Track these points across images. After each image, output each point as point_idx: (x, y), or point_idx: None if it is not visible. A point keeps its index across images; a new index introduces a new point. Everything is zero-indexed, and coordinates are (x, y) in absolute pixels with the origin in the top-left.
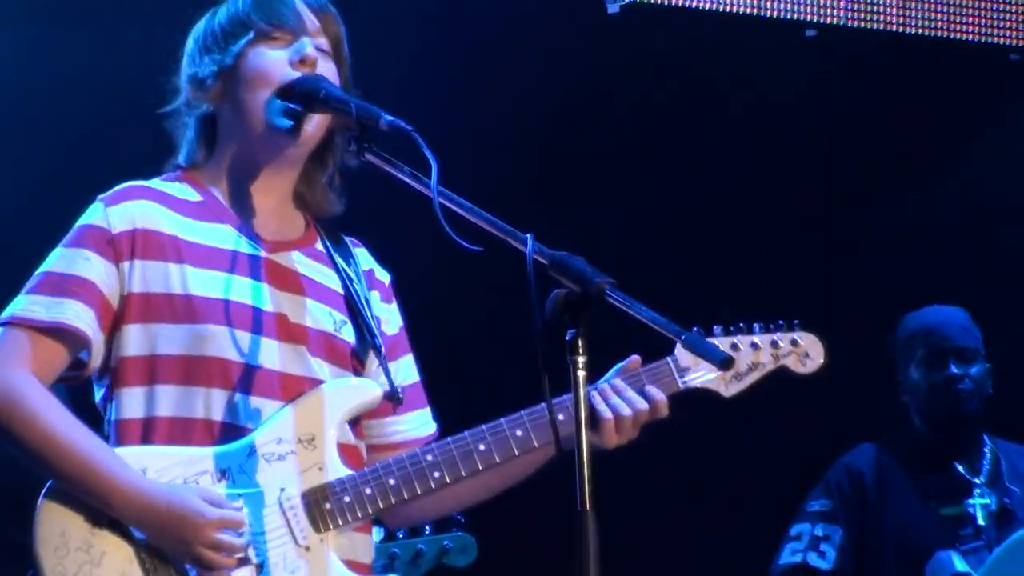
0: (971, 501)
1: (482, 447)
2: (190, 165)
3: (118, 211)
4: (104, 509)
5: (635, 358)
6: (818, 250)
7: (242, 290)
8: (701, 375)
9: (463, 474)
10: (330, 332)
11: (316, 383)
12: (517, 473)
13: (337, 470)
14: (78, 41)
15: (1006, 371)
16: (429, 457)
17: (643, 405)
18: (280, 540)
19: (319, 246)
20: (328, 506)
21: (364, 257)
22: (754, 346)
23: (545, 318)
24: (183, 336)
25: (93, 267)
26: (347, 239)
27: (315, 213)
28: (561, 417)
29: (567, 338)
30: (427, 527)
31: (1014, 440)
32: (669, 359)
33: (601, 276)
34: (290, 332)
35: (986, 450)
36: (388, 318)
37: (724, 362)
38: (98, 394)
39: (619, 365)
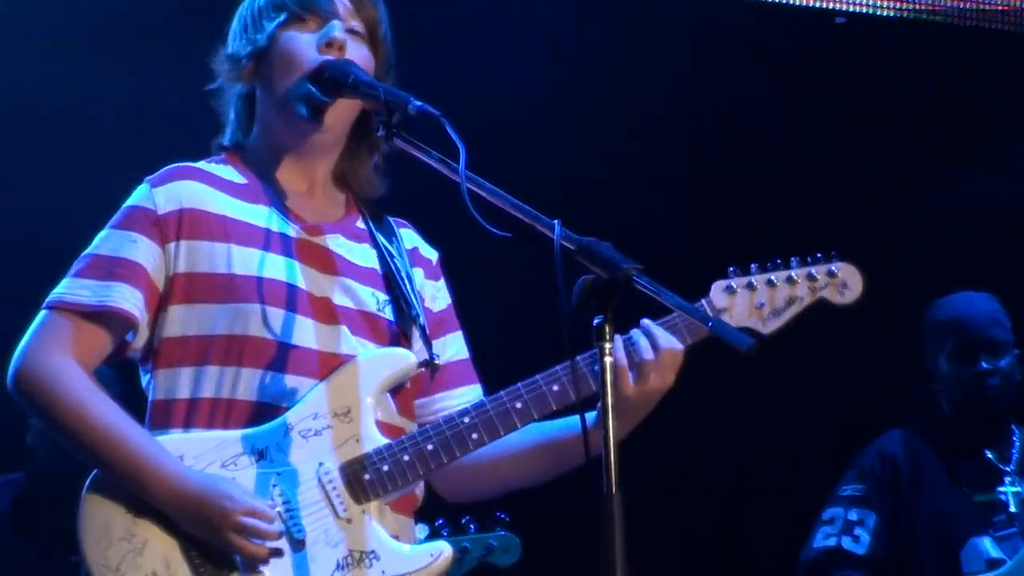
0: (1002, 488)
1: (519, 405)
2: (233, 145)
3: (164, 191)
4: (143, 496)
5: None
6: (857, 237)
7: (278, 269)
8: (739, 315)
9: (501, 433)
10: (372, 311)
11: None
12: (563, 456)
13: (375, 440)
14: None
15: None
16: (466, 419)
17: (650, 355)
18: (321, 514)
19: (360, 224)
20: (367, 477)
21: (409, 236)
22: (790, 280)
23: (572, 304)
24: (225, 316)
25: (140, 249)
26: (391, 219)
27: (358, 194)
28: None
29: (594, 324)
30: (472, 526)
31: None
32: (704, 301)
33: (629, 262)
34: (328, 312)
35: (1015, 439)
36: (434, 294)
37: (749, 348)
38: (143, 376)
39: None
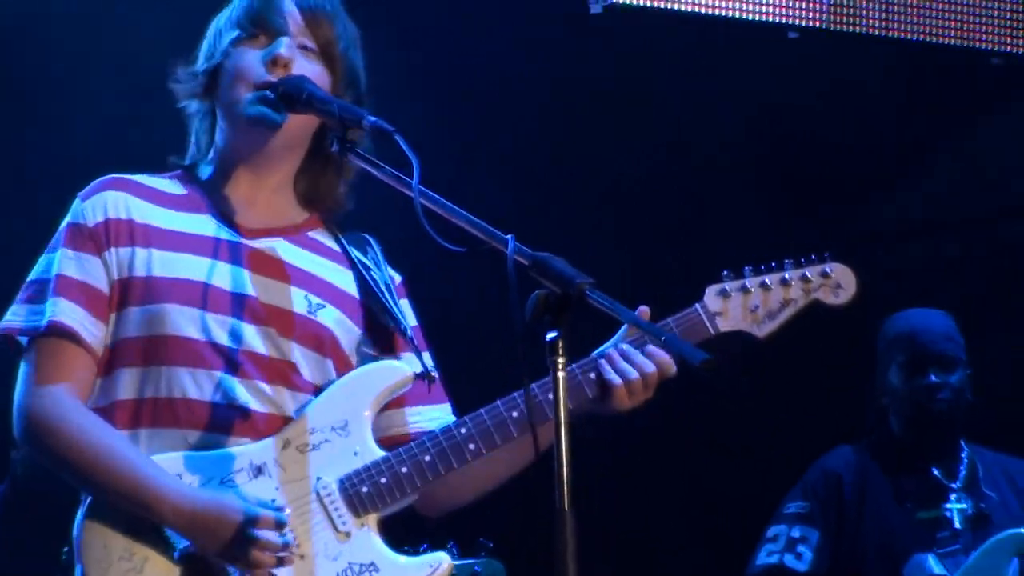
0: (948, 505)
1: (515, 414)
2: (190, 163)
3: (91, 204)
4: (152, 519)
5: (644, 309)
6: (805, 250)
7: (212, 271)
8: (733, 319)
9: (498, 443)
10: (304, 315)
11: (291, 366)
12: (523, 451)
13: (373, 453)
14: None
15: (988, 374)
16: (463, 430)
17: (651, 368)
18: (320, 528)
19: (317, 236)
20: (366, 489)
21: (379, 251)
22: (784, 282)
23: (526, 319)
24: (151, 319)
25: (74, 264)
26: (365, 236)
27: (322, 211)
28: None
29: (547, 339)
30: (456, 550)
31: (991, 447)
32: (698, 306)
33: (582, 277)
34: (265, 315)
35: (963, 456)
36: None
37: (704, 363)
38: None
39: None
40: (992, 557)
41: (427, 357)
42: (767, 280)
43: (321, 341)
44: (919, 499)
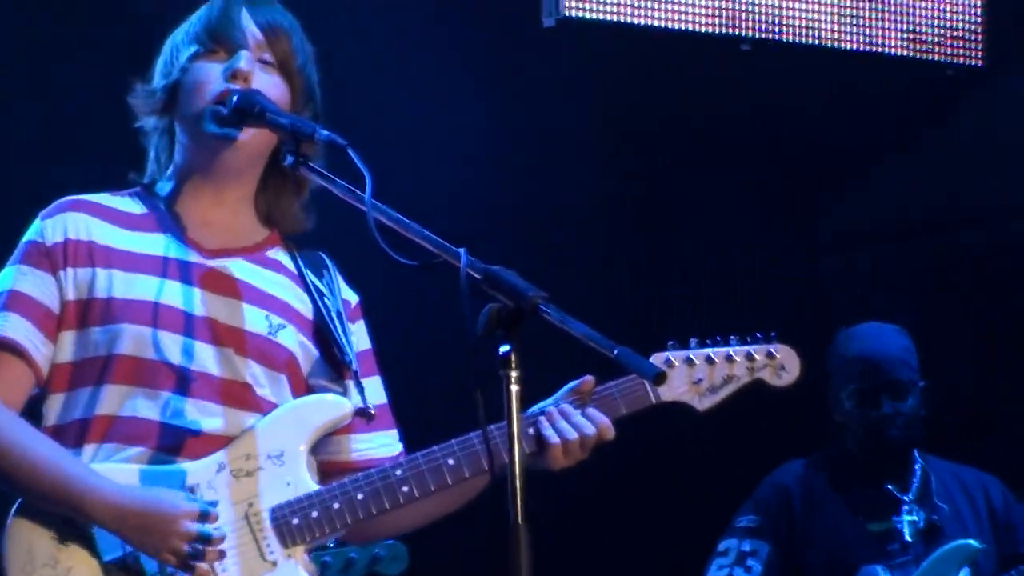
0: (899, 518)
1: (451, 461)
2: (149, 182)
3: (51, 224)
4: (81, 517)
5: (588, 379)
6: (759, 259)
7: (171, 293)
8: (675, 389)
9: (432, 489)
10: (263, 335)
11: (246, 386)
12: (456, 496)
13: (306, 485)
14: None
15: (942, 384)
16: (398, 472)
17: (590, 430)
18: (247, 554)
19: (276, 255)
20: (296, 521)
21: (335, 272)
22: (729, 358)
23: (478, 333)
24: (108, 338)
25: (28, 280)
26: (323, 256)
27: (282, 229)
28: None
29: (500, 353)
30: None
31: (946, 456)
32: None
33: (534, 290)
34: (220, 335)
35: (916, 467)
36: (355, 337)
37: (657, 377)
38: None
39: (571, 385)
40: (942, 567)
41: (374, 386)
42: (712, 354)
43: (279, 361)
44: (870, 512)
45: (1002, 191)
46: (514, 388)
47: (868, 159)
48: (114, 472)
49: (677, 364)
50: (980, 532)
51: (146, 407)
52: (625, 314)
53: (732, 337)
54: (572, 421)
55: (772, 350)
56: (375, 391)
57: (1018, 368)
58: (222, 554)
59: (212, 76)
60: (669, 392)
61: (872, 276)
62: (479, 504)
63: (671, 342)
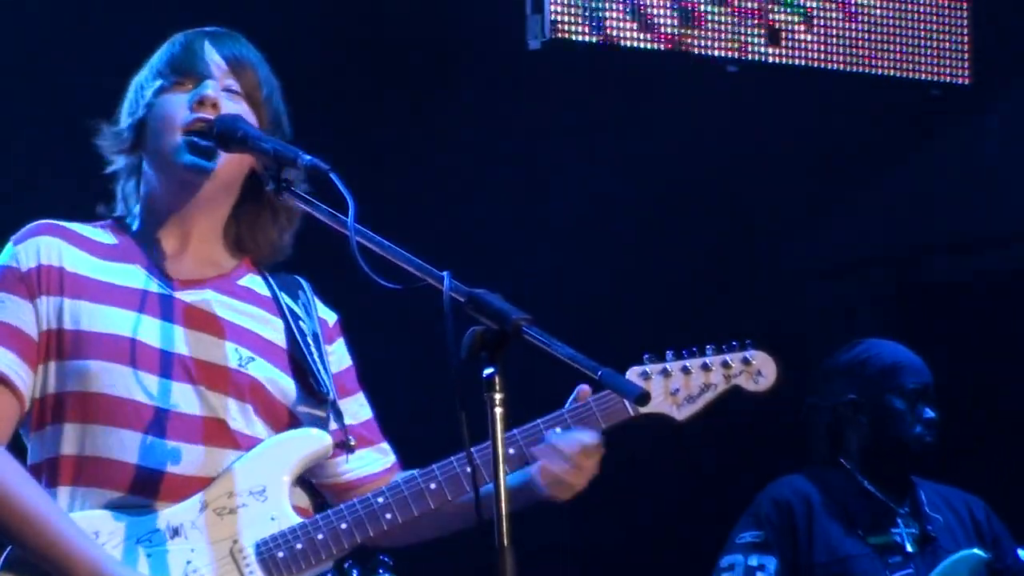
0: (897, 530)
1: (433, 486)
2: (118, 217)
3: (23, 248)
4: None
5: (584, 388)
6: (738, 283)
7: (141, 327)
8: (654, 401)
9: (415, 514)
10: (233, 368)
11: (222, 424)
12: (457, 517)
13: (290, 519)
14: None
15: None
16: (380, 500)
17: (573, 445)
18: None
19: (248, 282)
20: (281, 555)
21: (311, 295)
22: (705, 367)
23: (463, 356)
24: (80, 374)
25: (7, 308)
26: (298, 279)
27: (256, 257)
28: (511, 452)
29: (484, 376)
30: (355, 571)
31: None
32: None
33: (518, 312)
34: (194, 372)
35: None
36: (333, 358)
37: (640, 398)
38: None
39: (573, 396)
40: None
41: (357, 403)
42: (688, 364)
43: (253, 394)
44: (869, 525)
45: (988, 215)
46: (498, 411)
47: (852, 182)
48: (98, 522)
49: (653, 376)
50: (968, 543)
51: (120, 448)
52: (596, 339)
53: (708, 347)
54: (561, 453)
55: (747, 356)
56: (359, 408)
57: (989, 395)
58: None
59: (179, 107)
60: (650, 404)
61: (857, 304)
62: (476, 535)
63: (647, 355)
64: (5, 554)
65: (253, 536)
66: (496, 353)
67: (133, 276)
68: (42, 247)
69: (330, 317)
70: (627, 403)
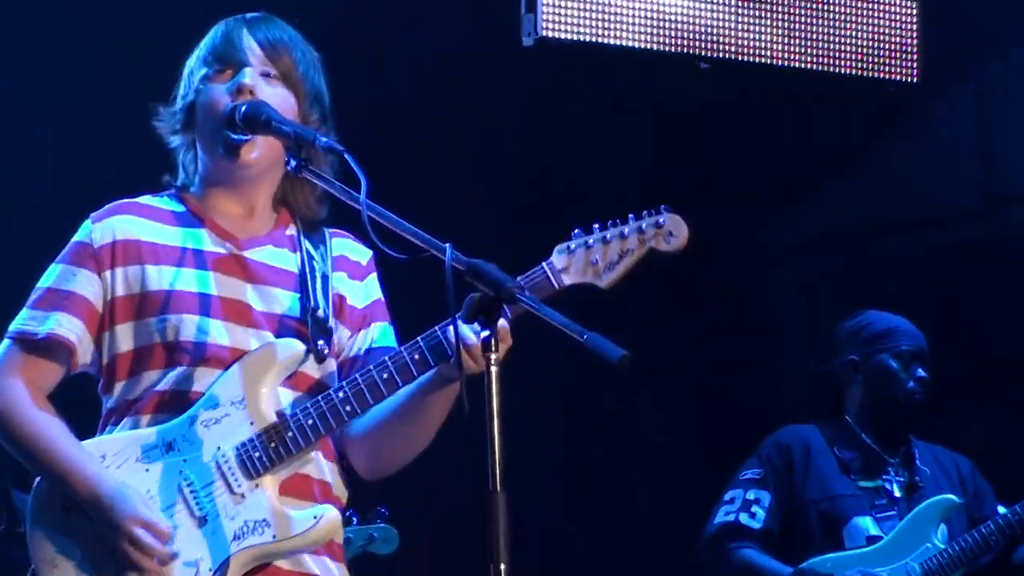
0: (886, 477)
1: (385, 375)
2: (182, 185)
3: (100, 227)
4: (71, 496)
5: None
6: (714, 265)
7: (206, 284)
8: (576, 273)
9: (370, 402)
10: (288, 315)
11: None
12: (434, 408)
13: (265, 422)
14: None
15: None
16: (340, 394)
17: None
18: (219, 492)
19: (289, 231)
20: (257, 454)
21: (339, 244)
22: (622, 235)
23: (463, 319)
24: (161, 325)
25: (79, 281)
26: (327, 230)
27: (296, 213)
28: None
29: (481, 339)
30: (355, 518)
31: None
32: (545, 264)
33: (512, 280)
34: (254, 319)
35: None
36: (358, 293)
37: (621, 359)
38: (99, 387)
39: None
40: (922, 520)
41: (370, 332)
42: (607, 235)
43: (306, 336)
44: (861, 471)
45: (937, 200)
46: (493, 369)
47: (814, 171)
48: (106, 445)
49: (576, 251)
50: (954, 494)
51: (194, 381)
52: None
53: (631, 216)
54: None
55: (660, 220)
56: (382, 333)
57: (952, 365)
58: (155, 570)
59: (220, 95)
60: (571, 277)
61: (820, 281)
62: (466, 487)
63: (576, 231)
64: (35, 483)
65: (233, 441)
66: (492, 317)
67: (200, 239)
68: (117, 224)
69: (362, 258)
70: (551, 277)
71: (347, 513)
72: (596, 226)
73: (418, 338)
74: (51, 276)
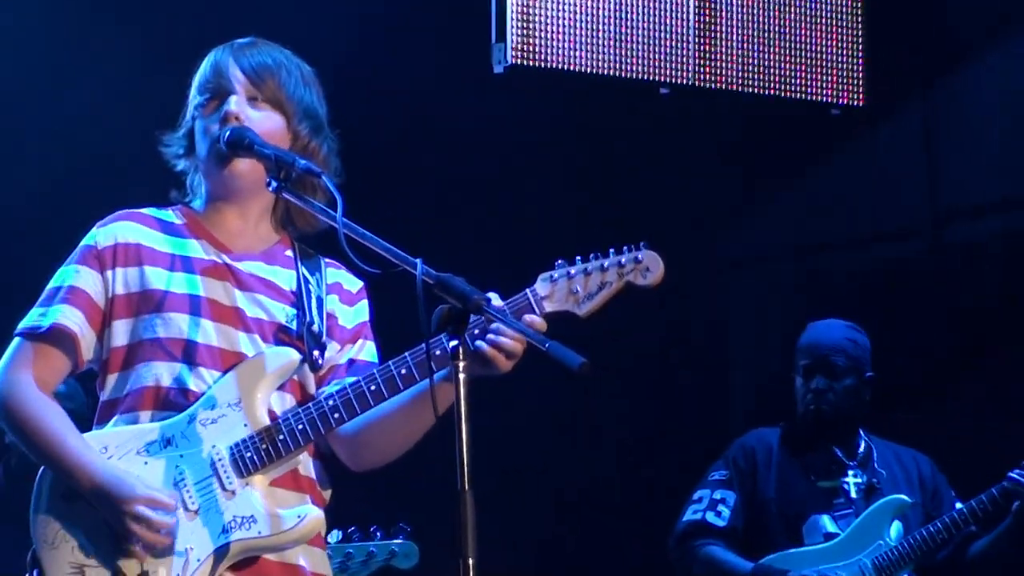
0: (845, 479)
1: (372, 387)
2: (187, 201)
3: (104, 231)
4: (73, 486)
5: (494, 295)
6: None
7: (200, 287)
8: (557, 301)
9: (358, 411)
10: (281, 323)
11: (239, 355)
12: (418, 414)
13: (259, 424)
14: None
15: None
16: (330, 402)
17: (509, 335)
18: (212, 488)
19: (287, 254)
20: (250, 455)
21: (333, 273)
22: (602, 268)
23: (432, 330)
24: (154, 323)
25: (82, 277)
26: (322, 259)
27: (298, 232)
28: (437, 353)
29: (450, 348)
30: (378, 533)
31: (886, 438)
32: (528, 290)
33: (479, 293)
34: (242, 323)
35: (861, 441)
36: (346, 315)
37: (581, 366)
38: (97, 383)
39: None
40: (875, 518)
41: (354, 347)
42: (588, 267)
43: (294, 344)
44: (820, 472)
45: (885, 216)
46: (462, 376)
47: (764, 188)
48: (108, 438)
49: (559, 280)
50: (911, 494)
51: (194, 381)
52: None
53: (611, 250)
54: (501, 331)
55: (639, 256)
56: (367, 349)
57: (900, 369)
58: (159, 541)
59: (211, 124)
60: (552, 304)
61: (770, 293)
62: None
63: (559, 261)
64: (39, 471)
65: (228, 440)
66: (460, 327)
67: (195, 248)
68: (119, 229)
69: (354, 286)
70: (533, 303)
71: (372, 528)
72: (578, 257)
73: (406, 353)
74: (58, 277)
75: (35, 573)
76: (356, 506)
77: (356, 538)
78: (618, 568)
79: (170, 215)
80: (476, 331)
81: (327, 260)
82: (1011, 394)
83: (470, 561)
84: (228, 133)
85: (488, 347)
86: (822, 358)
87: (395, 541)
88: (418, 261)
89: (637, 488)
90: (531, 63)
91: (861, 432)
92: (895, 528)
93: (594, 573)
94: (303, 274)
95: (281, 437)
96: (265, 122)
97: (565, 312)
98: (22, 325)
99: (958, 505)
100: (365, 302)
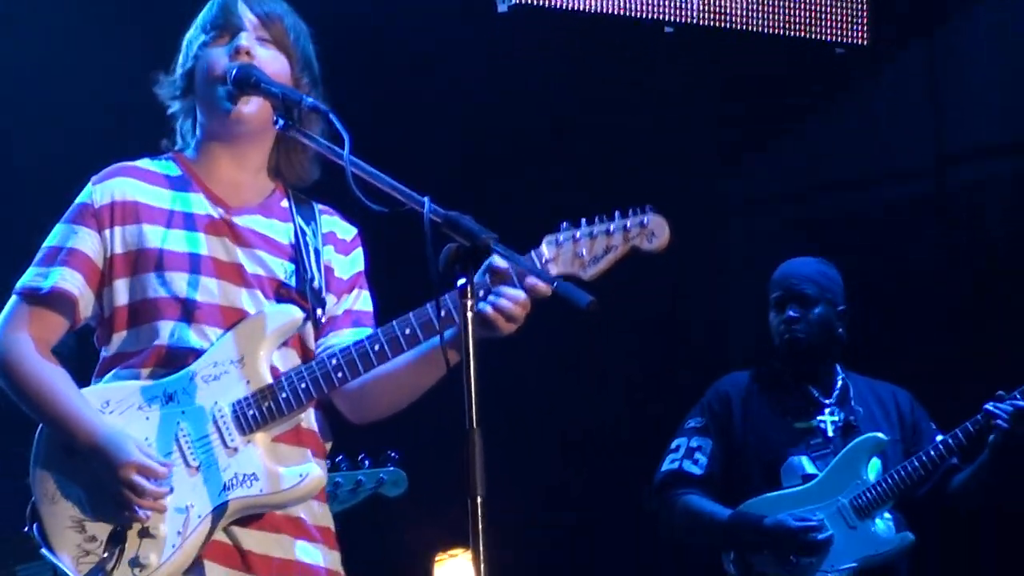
0: (821, 417)
1: (376, 347)
2: (179, 149)
3: (100, 188)
4: (71, 442)
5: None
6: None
7: (198, 244)
8: (563, 264)
9: (361, 371)
10: (281, 279)
11: (241, 311)
12: (423, 372)
13: (261, 381)
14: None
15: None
16: (333, 361)
17: (523, 296)
18: (214, 444)
19: (283, 204)
20: (252, 412)
21: (327, 221)
22: (608, 232)
23: (440, 268)
24: (154, 282)
25: (80, 238)
26: (316, 205)
27: (290, 182)
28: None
29: (458, 285)
30: (366, 461)
31: (865, 374)
32: (533, 252)
33: (487, 232)
34: (240, 279)
35: (838, 378)
36: (343, 266)
37: (589, 304)
38: (97, 337)
39: (487, 263)
40: (852, 457)
41: (351, 297)
42: (594, 230)
43: (294, 300)
44: (796, 412)
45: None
46: (469, 315)
47: (773, 129)
48: (110, 392)
49: (564, 243)
50: (890, 430)
51: (197, 338)
52: None
53: (616, 212)
54: (506, 294)
55: (644, 220)
56: (361, 299)
57: (890, 307)
58: (155, 506)
59: (219, 58)
60: (557, 267)
61: (775, 234)
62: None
63: (564, 224)
64: (38, 429)
65: (230, 397)
66: (468, 266)
67: (194, 203)
68: (116, 186)
69: (348, 234)
70: (540, 268)
71: (360, 457)
72: (583, 220)
73: (409, 314)
74: (55, 235)
75: (35, 527)
76: (345, 436)
77: (344, 467)
78: (622, 508)
79: (166, 165)
80: (481, 292)
81: (321, 207)
82: (1013, 332)
83: (479, 499)
84: (236, 71)
85: (491, 309)
86: (792, 288)
87: (383, 469)
88: (426, 199)
89: (644, 426)
90: (535, 2)
91: (838, 368)
92: (873, 466)
93: (598, 514)
94: (299, 226)
95: (284, 395)
96: (273, 62)
97: (570, 275)
98: (21, 284)
99: (939, 437)
100: (360, 250)
